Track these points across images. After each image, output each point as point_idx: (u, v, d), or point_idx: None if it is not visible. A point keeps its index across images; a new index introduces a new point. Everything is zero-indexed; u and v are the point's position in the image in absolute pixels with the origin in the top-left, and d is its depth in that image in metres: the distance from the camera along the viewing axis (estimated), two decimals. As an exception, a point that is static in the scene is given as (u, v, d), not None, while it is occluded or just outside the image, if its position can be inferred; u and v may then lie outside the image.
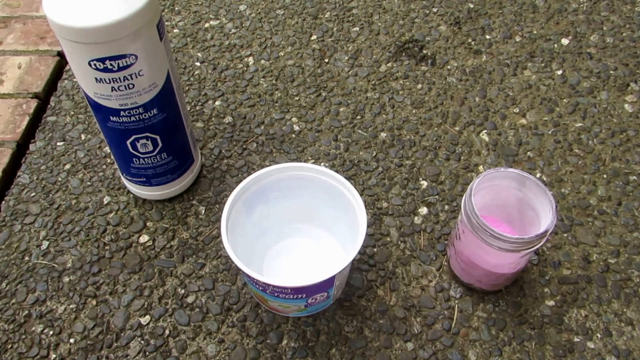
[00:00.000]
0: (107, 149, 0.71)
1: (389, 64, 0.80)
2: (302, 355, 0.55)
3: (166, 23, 0.87)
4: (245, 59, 0.82)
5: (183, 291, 0.59)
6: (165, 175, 0.62)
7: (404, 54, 0.82)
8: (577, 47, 0.82)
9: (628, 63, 0.79)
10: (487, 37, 0.84)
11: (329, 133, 0.73)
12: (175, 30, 0.86)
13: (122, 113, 0.54)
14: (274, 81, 0.79)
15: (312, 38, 0.84)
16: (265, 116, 0.75)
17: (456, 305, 0.58)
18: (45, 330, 0.57)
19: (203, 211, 0.65)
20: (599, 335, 0.55)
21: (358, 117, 0.74)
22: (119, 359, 0.55)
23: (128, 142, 0.57)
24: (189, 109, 0.76)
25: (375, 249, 0.62)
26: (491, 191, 0.54)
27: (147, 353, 0.55)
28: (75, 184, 0.68)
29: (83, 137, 0.73)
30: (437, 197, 0.66)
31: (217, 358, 0.55)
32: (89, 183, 0.68)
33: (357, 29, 0.86)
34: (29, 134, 0.75)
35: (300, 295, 0.50)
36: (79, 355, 0.55)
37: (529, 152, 0.70)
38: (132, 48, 0.49)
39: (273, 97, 0.77)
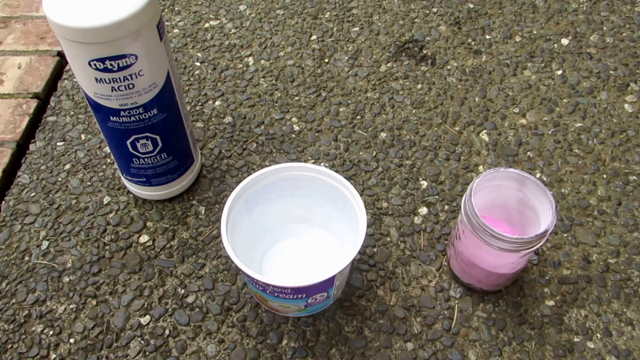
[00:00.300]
0: (107, 149, 0.71)
1: (389, 64, 0.81)
2: (302, 355, 0.55)
3: (166, 23, 0.87)
4: (245, 59, 0.82)
5: (183, 291, 0.59)
6: (165, 175, 0.62)
7: (404, 54, 0.82)
8: (577, 47, 0.82)
9: (628, 63, 0.79)
10: (487, 37, 0.84)
11: (329, 133, 0.73)
12: (175, 30, 0.86)
13: (122, 113, 0.54)
14: (274, 81, 0.79)
15: (312, 38, 0.84)
16: (265, 116, 0.75)
17: (456, 305, 0.58)
18: (45, 330, 0.57)
19: (203, 211, 0.65)
20: (599, 335, 0.55)
21: (358, 117, 0.74)
22: (119, 359, 0.55)
23: (128, 142, 0.57)
24: (189, 109, 0.76)
25: (375, 249, 0.62)
26: (491, 191, 0.54)
27: (147, 353, 0.55)
28: (75, 184, 0.68)
29: (83, 137, 0.73)
30: (437, 197, 0.66)
31: (217, 358, 0.55)
32: (89, 183, 0.68)
33: (357, 29, 0.86)
34: (29, 134, 0.75)
35: (300, 295, 0.50)
36: (79, 355, 0.55)
37: (529, 152, 0.70)
38: (132, 48, 0.49)
39: (273, 97, 0.77)
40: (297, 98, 0.77)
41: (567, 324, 0.56)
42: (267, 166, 0.63)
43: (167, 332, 0.56)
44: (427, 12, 0.88)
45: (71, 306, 0.58)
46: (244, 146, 0.72)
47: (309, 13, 0.88)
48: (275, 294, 0.50)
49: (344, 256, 0.48)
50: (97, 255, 0.62)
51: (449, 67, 0.80)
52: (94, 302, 0.59)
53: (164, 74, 0.54)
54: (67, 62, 0.83)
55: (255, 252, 0.59)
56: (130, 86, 0.51)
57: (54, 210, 0.66)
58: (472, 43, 0.83)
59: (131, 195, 0.67)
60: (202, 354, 0.55)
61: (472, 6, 0.88)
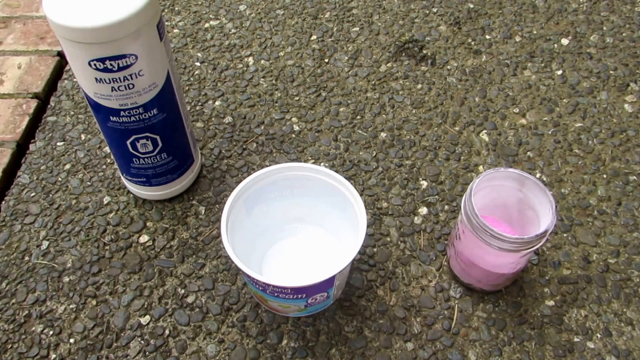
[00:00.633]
0: (107, 149, 0.72)
1: (389, 64, 0.81)
2: (302, 355, 0.55)
3: (166, 23, 0.87)
4: (245, 59, 0.82)
5: (183, 291, 0.59)
6: (165, 175, 0.62)
7: (404, 54, 0.82)
8: (577, 47, 0.82)
9: (628, 63, 0.79)
10: (487, 37, 0.84)
11: (329, 133, 0.73)
12: (175, 30, 0.86)
13: (122, 113, 0.54)
14: (274, 81, 0.79)
15: (312, 38, 0.84)
16: (265, 116, 0.75)
17: (456, 305, 0.58)
18: (45, 330, 0.57)
19: (203, 211, 0.65)
20: (599, 335, 0.55)
21: (358, 117, 0.74)
22: (119, 359, 0.55)
23: (128, 142, 0.57)
24: (189, 109, 0.76)
25: (375, 249, 0.62)
26: (491, 191, 0.54)
27: (147, 353, 0.55)
28: (75, 184, 0.68)
29: (83, 137, 0.73)
30: (437, 197, 0.66)
31: (217, 358, 0.55)
32: (89, 183, 0.68)
33: (357, 29, 0.86)
34: (29, 134, 0.75)
35: (300, 295, 0.50)
36: (79, 355, 0.55)
37: (528, 152, 0.70)
38: (132, 48, 0.49)
39: (273, 97, 0.77)
40: (297, 98, 0.77)
41: (567, 324, 0.56)
42: (267, 166, 0.63)
43: (167, 332, 0.56)
44: (427, 12, 0.88)
45: (71, 306, 0.58)
46: (244, 146, 0.72)
47: (309, 13, 0.88)
48: (275, 294, 0.50)
49: (344, 256, 0.48)
50: (97, 255, 0.62)
51: (449, 67, 0.80)
52: (94, 302, 0.59)
53: (164, 74, 0.54)
54: (67, 62, 0.83)
55: (255, 252, 0.59)
56: (130, 86, 0.51)
57: (54, 210, 0.66)
58: (472, 43, 0.83)
59: (131, 195, 0.67)
60: (202, 354, 0.55)
61: (472, 6, 0.88)
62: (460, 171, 0.68)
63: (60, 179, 0.69)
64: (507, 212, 0.56)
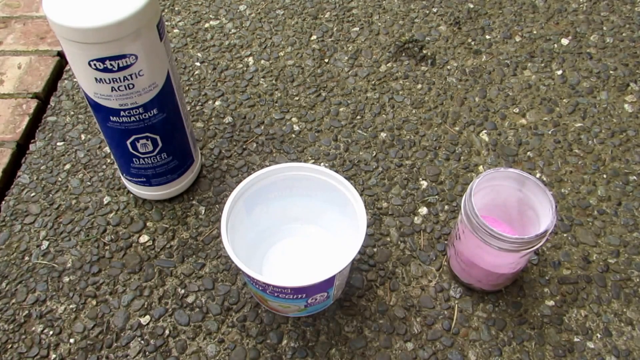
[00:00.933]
0: (107, 149, 0.72)
1: (389, 64, 0.81)
2: (302, 355, 0.55)
3: (166, 23, 0.87)
4: (245, 59, 0.82)
5: (183, 291, 0.59)
6: (165, 175, 0.62)
7: (403, 54, 0.82)
8: (577, 47, 0.82)
9: (628, 63, 0.79)
10: (487, 37, 0.84)
11: (329, 133, 0.73)
12: (175, 30, 0.86)
13: (122, 113, 0.54)
14: (274, 81, 0.79)
15: (312, 38, 0.84)
16: (265, 116, 0.75)
17: (456, 305, 0.58)
18: (45, 330, 0.57)
19: (203, 211, 0.65)
20: (599, 335, 0.55)
21: (358, 117, 0.74)
22: (119, 359, 0.55)
23: (128, 142, 0.57)
24: (189, 109, 0.76)
25: (375, 249, 0.62)
26: (491, 191, 0.54)
27: (147, 353, 0.55)
28: (75, 184, 0.68)
29: (83, 137, 0.73)
30: (437, 197, 0.66)
31: (217, 358, 0.55)
32: (89, 183, 0.68)
33: (357, 29, 0.86)
34: (29, 134, 0.75)
35: (300, 295, 0.50)
36: (79, 355, 0.55)
37: (528, 152, 0.70)
38: (132, 48, 0.49)
39: (273, 97, 0.77)
40: (297, 98, 0.77)
41: (567, 324, 0.56)
42: (267, 166, 0.63)
43: (167, 332, 0.56)
44: (427, 12, 0.88)
45: (71, 306, 0.58)
46: (244, 146, 0.72)
47: (309, 13, 0.88)
48: (275, 294, 0.50)
49: (344, 256, 0.48)
50: (97, 255, 0.62)
51: (449, 67, 0.80)
52: (94, 302, 0.59)
53: (164, 74, 0.54)
54: (67, 62, 0.83)
55: (255, 252, 0.59)
56: (130, 86, 0.51)
57: (54, 210, 0.66)
58: (472, 43, 0.83)
59: (131, 195, 0.67)
60: (202, 354, 0.55)
61: (472, 6, 0.88)
62: (460, 171, 0.68)
63: (60, 179, 0.69)
64: (507, 212, 0.56)
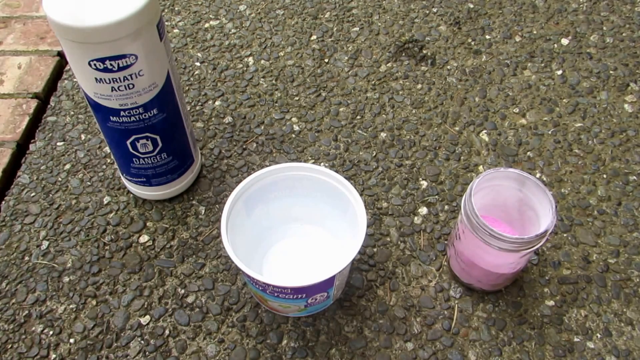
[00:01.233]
0: (107, 149, 0.72)
1: (389, 64, 0.81)
2: (302, 355, 0.55)
3: (166, 23, 0.87)
4: (245, 59, 0.82)
5: (183, 291, 0.59)
6: (165, 175, 0.62)
7: (403, 54, 0.82)
8: (577, 47, 0.82)
9: (628, 63, 0.79)
10: (487, 37, 0.84)
11: (329, 133, 0.73)
12: (175, 30, 0.86)
13: (122, 113, 0.54)
14: (274, 81, 0.79)
15: (312, 38, 0.84)
16: (265, 116, 0.75)
17: (456, 305, 0.58)
18: (45, 330, 0.57)
19: (203, 211, 0.65)
20: (599, 335, 0.55)
21: (358, 117, 0.74)
22: (119, 359, 0.55)
23: (128, 142, 0.57)
24: (189, 109, 0.76)
25: (375, 249, 0.62)
26: (491, 191, 0.54)
27: (147, 353, 0.55)
28: (75, 184, 0.68)
29: (83, 137, 0.73)
30: (437, 197, 0.66)
31: (217, 358, 0.55)
32: (89, 183, 0.68)
33: (357, 29, 0.86)
34: (29, 134, 0.75)
35: (300, 295, 0.50)
36: (79, 355, 0.55)
37: (528, 152, 0.70)
38: (132, 48, 0.49)
39: (273, 97, 0.77)
40: (297, 98, 0.77)
41: (567, 324, 0.56)
42: (267, 166, 0.63)
43: (167, 332, 0.56)
44: (427, 12, 0.88)
45: (71, 306, 0.58)
46: (244, 146, 0.72)
47: (309, 13, 0.88)
48: (275, 294, 0.50)
49: (344, 256, 0.48)
50: (97, 255, 0.62)
51: (449, 67, 0.80)
52: (94, 302, 0.59)
53: (164, 74, 0.54)
54: (67, 62, 0.83)
55: (255, 252, 0.59)
56: (130, 86, 0.51)
57: (54, 210, 0.66)
58: (472, 43, 0.83)
59: (131, 195, 0.67)
60: (202, 354, 0.55)
61: (472, 6, 0.88)
62: (460, 171, 0.68)
63: (60, 179, 0.69)
64: (507, 212, 0.56)
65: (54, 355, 0.55)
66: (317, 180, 0.55)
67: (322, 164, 0.70)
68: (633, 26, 0.84)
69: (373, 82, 0.78)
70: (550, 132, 0.72)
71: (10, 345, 0.56)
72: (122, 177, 0.66)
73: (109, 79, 0.50)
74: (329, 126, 0.73)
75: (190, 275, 0.60)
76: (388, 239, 0.63)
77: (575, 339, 0.55)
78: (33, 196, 0.67)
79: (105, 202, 0.67)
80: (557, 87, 0.77)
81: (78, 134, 0.73)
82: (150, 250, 0.62)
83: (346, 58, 0.81)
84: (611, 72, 0.78)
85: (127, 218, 0.65)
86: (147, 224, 0.65)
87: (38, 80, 0.80)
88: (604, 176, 0.67)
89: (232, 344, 0.55)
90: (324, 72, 0.80)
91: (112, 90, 0.51)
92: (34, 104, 0.77)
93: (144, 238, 0.63)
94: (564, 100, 0.75)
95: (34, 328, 0.57)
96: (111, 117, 0.54)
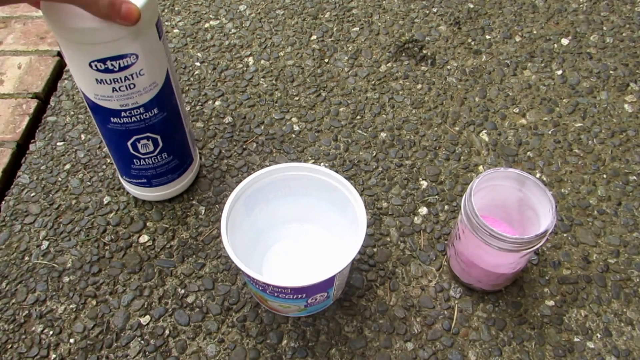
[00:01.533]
0: (107, 149, 0.72)
1: (389, 64, 0.81)
2: (302, 355, 0.55)
3: (166, 23, 0.87)
4: (245, 59, 0.82)
5: (183, 291, 0.59)
6: (166, 175, 0.62)
7: (403, 54, 0.82)
8: (577, 47, 0.82)
9: (628, 63, 0.79)
10: (487, 37, 0.84)
11: (329, 133, 0.73)
12: (175, 30, 0.86)
13: (122, 114, 0.54)
14: (274, 81, 0.79)
15: (312, 38, 0.84)
16: (265, 116, 0.75)
17: (456, 305, 0.58)
18: (45, 330, 0.57)
19: (203, 211, 0.65)
20: (599, 335, 0.55)
21: (358, 117, 0.74)
22: (119, 359, 0.55)
23: (129, 143, 0.57)
24: (188, 109, 0.76)
25: (375, 249, 0.62)
26: (491, 191, 0.54)
27: (147, 353, 0.55)
28: (75, 184, 0.68)
29: (83, 137, 0.73)
30: (437, 197, 0.66)
31: (217, 358, 0.55)
32: (89, 183, 0.68)
33: (357, 29, 0.86)
34: (29, 134, 0.75)
35: (300, 295, 0.50)
36: (79, 355, 0.55)
37: (528, 152, 0.70)
38: (132, 47, 0.49)
39: (273, 97, 0.77)
40: (297, 98, 0.77)
41: (567, 324, 0.56)
42: (267, 166, 0.63)
43: (167, 332, 0.56)
44: (427, 12, 0.88)
45: (71, 306, 0.59)
46: (244, 146, 0.72)
47: (309, 13, 0.88)
48: (275, 294, 0.50)
49: (344, 256, 0.48)
50: (97, 255, 0.62)
51: (449, 67, 0.80)
52: (94, 302, 0.59)
53: (164, 73, 0.54)
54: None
55: (255, 252, 0.59)
56: (132, 86, 0.51)
57: (54, 210, 0.66)
58: (472, 43, 0.83)
59: (131, 195, 0.67)
60: (202, 354, 0.55)
61: (472, 6, 0.88)
62: (460, 171, 0.68)
63: (60, 179, 0.69)
64: (507, 212, 0.56)
65: (54, 355, 0.55)
66: (317, 180, 0.55)
67: (322, 164, 0.70)
68: (633, 26, 0.84)
69: (373, 82, 0.78)
70: (550, 132, 0.72)
71: (10, 345, 0.56)
72: (121, 180, 0.66)
73: (110, 80, 0.50)
74: (329, 126, 0.73)
75: (190, 275, 0.60)
76: (388, 239, 0.63)
77: (575, 339, 0.55)
78: (33, 196, 0.67)
79: (105, 202, 0.67)
80: (557, 87, 0.77)
81: (78, 134, 0.73)
82: (150, 250, 0.62)
83: (346, 58, 0.81)
84: (611, 72, 0.78)
85: (127, 218, 0.65)
86: (147, 224, 0.65)
87: (38, 80, 0.80)
88: (604, 176, 0.67)
89: (232, 344, 0.55)
90: (324, 72, 0.80)
91: (113, 91, 0.51)
92: (34, 104, 0.77)
93: (144, 238, 0.63)
94: (564, 100, 0.75)
95: (34, 328, 0.57)
96: (112, 119, 0.54)
